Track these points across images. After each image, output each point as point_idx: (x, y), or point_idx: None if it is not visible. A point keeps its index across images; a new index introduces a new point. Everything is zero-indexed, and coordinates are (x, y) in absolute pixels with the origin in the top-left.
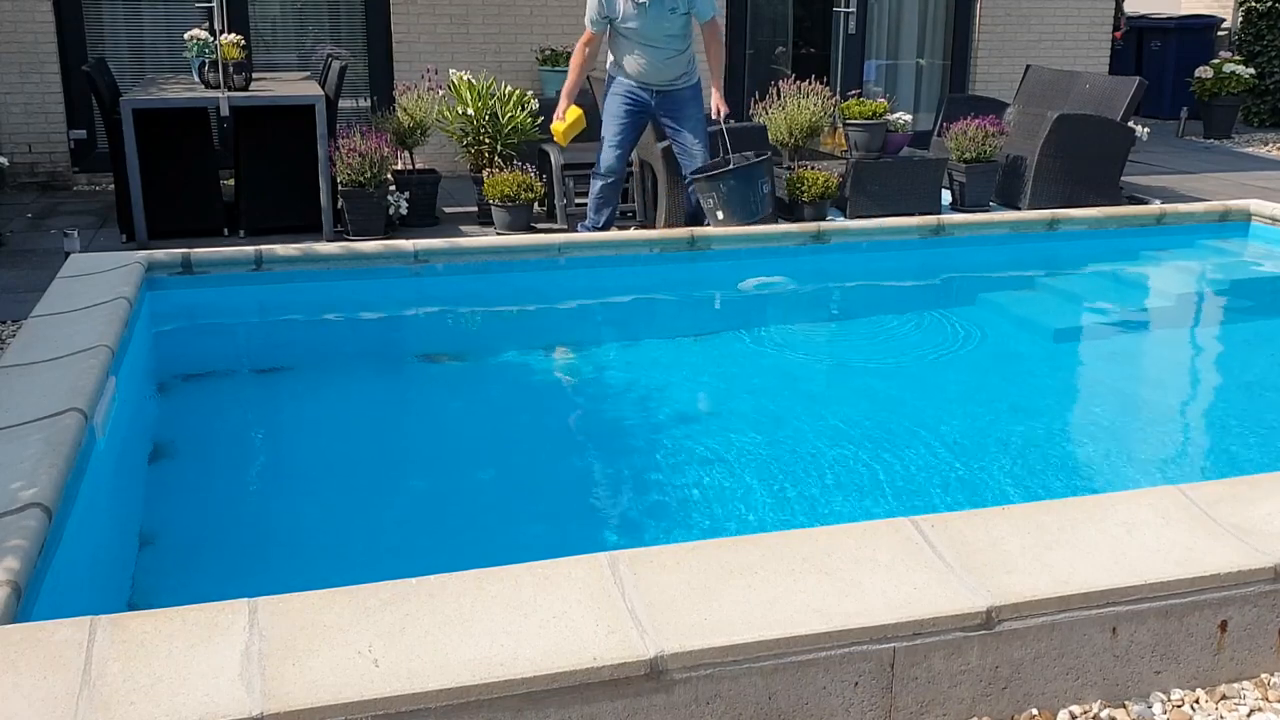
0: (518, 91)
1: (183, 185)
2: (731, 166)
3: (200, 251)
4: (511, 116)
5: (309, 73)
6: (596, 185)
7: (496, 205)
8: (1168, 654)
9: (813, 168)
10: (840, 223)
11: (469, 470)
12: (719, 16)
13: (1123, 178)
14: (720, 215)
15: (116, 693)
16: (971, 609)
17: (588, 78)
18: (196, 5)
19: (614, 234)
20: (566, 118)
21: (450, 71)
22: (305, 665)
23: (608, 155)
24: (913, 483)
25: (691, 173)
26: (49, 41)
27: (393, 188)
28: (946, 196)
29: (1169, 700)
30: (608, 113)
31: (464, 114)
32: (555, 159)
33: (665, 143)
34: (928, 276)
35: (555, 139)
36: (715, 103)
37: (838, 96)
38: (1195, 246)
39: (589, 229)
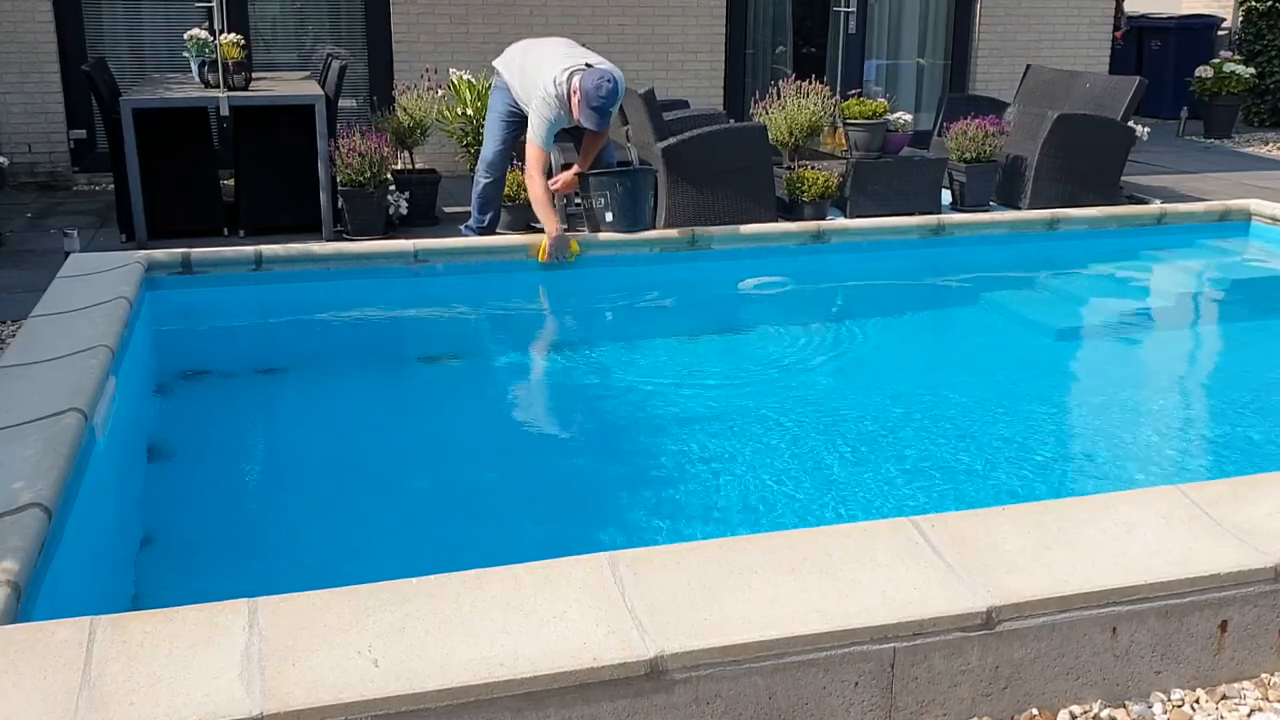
0: None
1: (183, 185)
2: (631, 168)
3: (200, 251)
4: None
5: (309, 73)
6: (479, 185)
7: None
8: (1168, 654)
9: (813, 167)
10: (840, 222)
11: (469, 470)
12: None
13: (1123, 177)
14: (609, 217)
15: (116, 692)
16: (971, 609)
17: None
18: (196, 5)
19: (615, 234)
20: (573, 248)
21: (450, 71)
22: (305, 665)
23: (489, 151)
24: (896, 485)
25: (586, 170)
26: (49, 41)
27: (393, 188)
28: (946, 196)
29: (1169, 700)
30: (493, 110)
31: (464, 114)
32: (555, 159)
33: (665, 142)
34: (928, 276)
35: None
36: (562, 178)
37: (838, 96)
38: (1195, 246)
39: (473, 230)
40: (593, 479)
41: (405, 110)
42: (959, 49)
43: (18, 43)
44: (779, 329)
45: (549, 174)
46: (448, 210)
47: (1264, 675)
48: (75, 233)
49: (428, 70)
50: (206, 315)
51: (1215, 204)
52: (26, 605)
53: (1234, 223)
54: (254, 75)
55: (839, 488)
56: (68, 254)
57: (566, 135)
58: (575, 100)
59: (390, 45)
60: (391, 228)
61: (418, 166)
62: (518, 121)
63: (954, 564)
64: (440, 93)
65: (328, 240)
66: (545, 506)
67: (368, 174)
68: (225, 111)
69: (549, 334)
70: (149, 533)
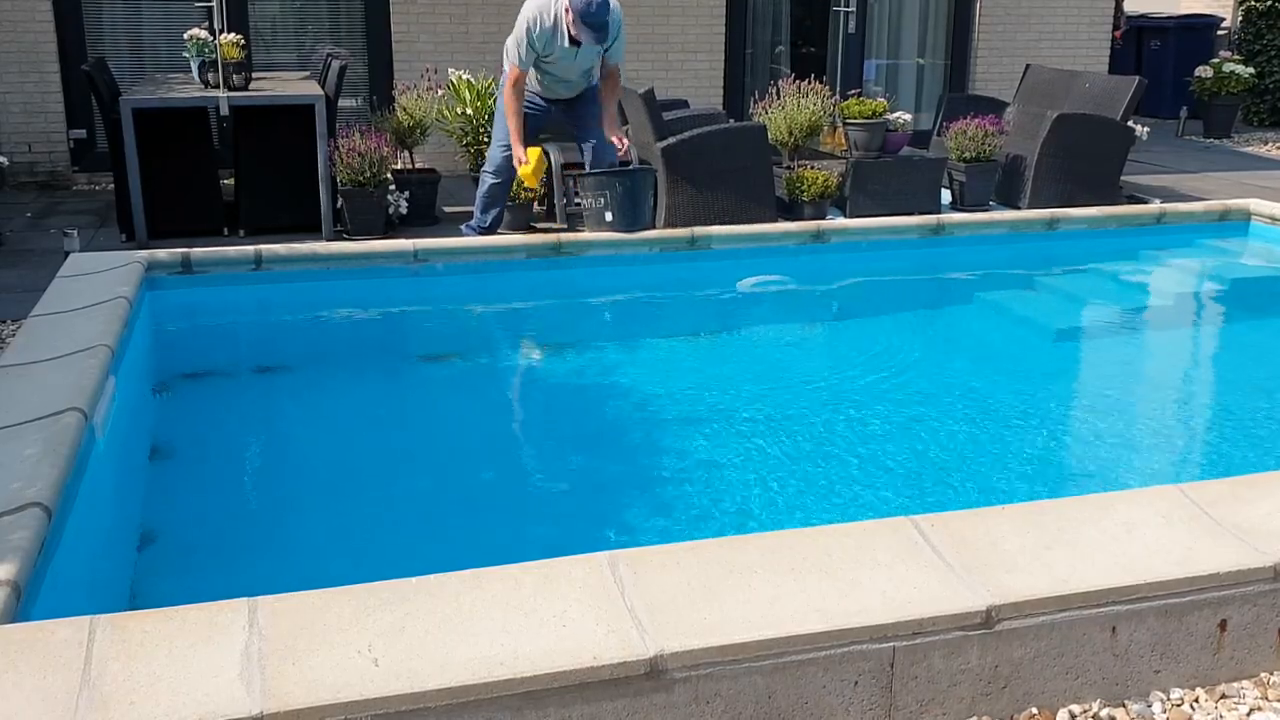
0: None
1: (183, 185)
2: (630, 168)
3: (200, 251)
4: None
5: (309, 73)
6: (485, 184)
7: None
8: (1167, 653)
9: (813, 167)
10: (840, 222)
11: (469, 469)
12: (623, 65)
13: (1122, 177)
14: (609, 217)
15: (116, 692)
16: (971, 609)
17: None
18: (196, 5)
19: (615, 234)
20: (530, 159)
21: (450, 71)
22: (305, 665)
23: (496, 154)
24: (896, 484)
25: (587, 171)
26: (49, 41)
27: (393, 187)
28: (946, 196)
29: (1169, 700)
30: (501, 111)
31: (464, 114)
32: (555, 159)
33: (665, 142)
34: (927, 276)
35: (526, 183)
36: (616, 140)
37: (837, 96)
38: (1195, 246)
39: (474, 230)
40: (591, 477)
41: (405, 110)
42: (959, 49)
43: (18, 42)
44: (778, 328)
45: (549, 173)
46: (448, 210)
47: (1263, 674)
48: (75, 232)
49: (428, 70)
50: (206, 315)
51: (1215, 204)
52: (26, 605)
53: (1233, 222)
54: (254, 75)
55: (839, 485)
56: (68, 254)
57: (568, 134)
58: (569, 20)
59: (390, 45)
60: (391, 227)
61: (418, 166)
62: (534, 115)
63: (954, 564)
64: (440, 92)
65: (328, 240)
66: (544, 505)
67: (368, 174)
68: (225, 111)
69: (548, 333)
70: (149, 532)
